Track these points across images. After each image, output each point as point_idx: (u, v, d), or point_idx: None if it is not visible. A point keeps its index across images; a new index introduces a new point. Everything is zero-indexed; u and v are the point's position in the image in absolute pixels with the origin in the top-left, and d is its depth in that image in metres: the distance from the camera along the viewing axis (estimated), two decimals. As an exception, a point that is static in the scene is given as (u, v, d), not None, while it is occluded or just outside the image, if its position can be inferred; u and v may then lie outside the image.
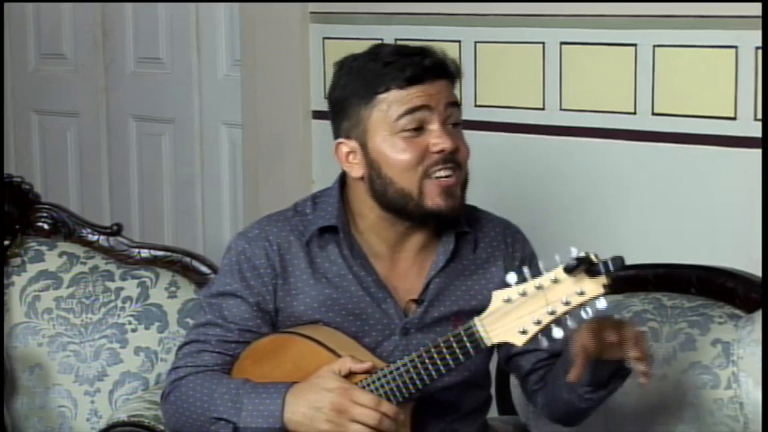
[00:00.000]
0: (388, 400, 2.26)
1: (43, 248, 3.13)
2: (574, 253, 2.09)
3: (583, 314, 2.10)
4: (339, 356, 2.30)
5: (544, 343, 2.15)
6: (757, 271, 2.80)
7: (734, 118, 2.98)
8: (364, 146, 2.35)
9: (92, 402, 3.01)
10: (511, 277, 2.14)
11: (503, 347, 2.40)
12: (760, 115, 2.92)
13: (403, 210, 2.35)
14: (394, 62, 2.33)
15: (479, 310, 2.27)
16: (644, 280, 2.84)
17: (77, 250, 3.14)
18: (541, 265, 2.13)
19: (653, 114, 3.11)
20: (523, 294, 2.14)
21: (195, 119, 4.34)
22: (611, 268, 2.07)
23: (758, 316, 2.61)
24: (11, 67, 4.83)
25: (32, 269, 3.10)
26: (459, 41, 3.38)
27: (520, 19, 3.29)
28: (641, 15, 3.09)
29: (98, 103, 4.63)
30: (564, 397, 2.35)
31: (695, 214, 3.07)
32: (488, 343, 2.19)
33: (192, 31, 4.31)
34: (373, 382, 2.27)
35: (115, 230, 3.20)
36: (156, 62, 4.45)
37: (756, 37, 2.89)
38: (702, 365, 2.63)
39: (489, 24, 3.34)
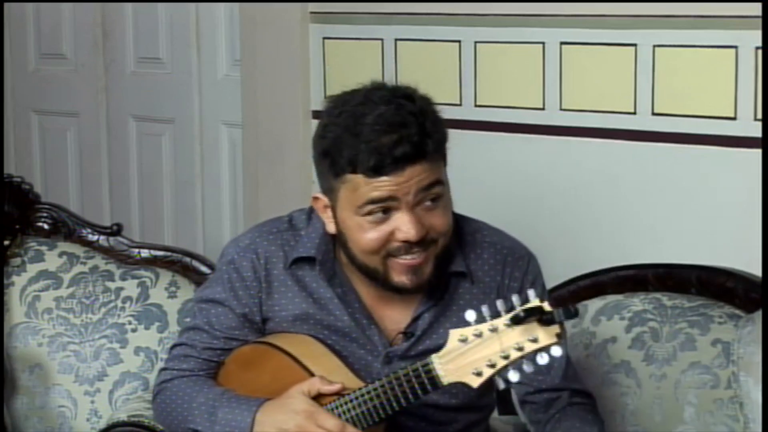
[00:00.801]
0: (355, 424, 2.26)
1: (43, 248, 3.13)
2: (532, 296, 2.08)
3: (539, 359, 2.08)
4: (312, 374, 2.31)
5: (501, 384, 2.12)
6: (757, 271, 2.80)
7: (734, 118, 2.97)
8: (334, 211, 2.30)
9: (92, 402, 3.01)
10: (470, 314, 2.11)
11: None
12: (760, 115, 2.92)
13: (372, 279, 2.31)
14: (368, 143, 2.20)
15: None
16: (644, 280, 2.84)
17: (77, 250, 3.15)
18: (515, 299, 2.10)
19: (653, 114, 3.11)
20: (479, 335, 2.12)
21: (195, 119, 4.34)
22: (563, 318, 2.06)
23: (758, 316, 2.61)
24: (11, 67, 4.83)
25: (32, 269, 3.10)
26: (459, 41, 3.38)
27: (520, 19, 3.29)
28: (641, 15, 3.09)
29: (98, 103, 4.63)
30: None
31: (695, 214, 3.06)
32: (445, 381, 2.18)
33: (192, 31, 4.31)
34: (341, 405, 2.28)
35: (115, 230, 3.20)
36: (156, 62, 4.45)
37: (756, 37, 2.89)
38: (702, 365, 2.63)
39: (489, 24, 3.34)
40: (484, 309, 2.11)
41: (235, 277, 2.41)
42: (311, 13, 3.70)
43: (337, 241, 2.34)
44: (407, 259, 2.26)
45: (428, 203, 2.25)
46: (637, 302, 2.77)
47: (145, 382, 2.99)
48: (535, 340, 2.08)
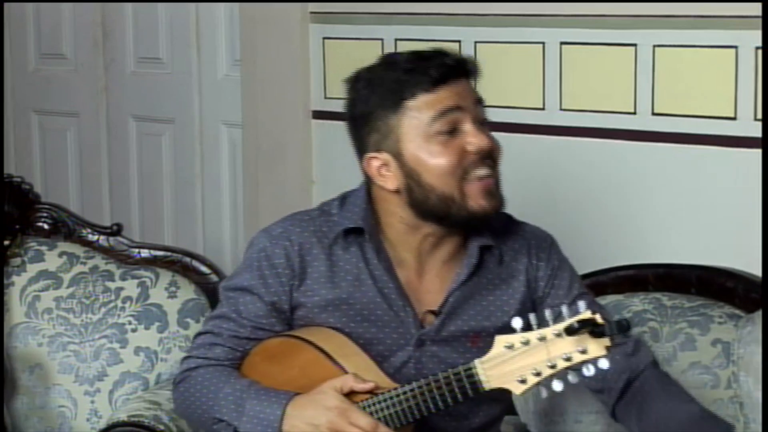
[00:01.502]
0: (387, 424, 2.25)
1: (43, 248, 3.13)
2: (582, 308, 2.09)
3: (585, 371, 2.09)
4: (344, 371, 2.29)
5: (544, 393, 2.13)
6: (757, 271, 2.81)
7: (734, 118, 2.97)
8: (398, 156, 2.30)
9: (92, 402, 3.01)
10: (517, 322, 2.12)
11: None
12: (760, 115, 2.92)
13: (445, 215, 2.30)
14: (415, 67, 2.29)
15: (497, 327, 2.26)
16: (644, 280, 2.84)
17: (77, 250, 3.15)
18: (564, 309, 2.11)
19: (653, 114, 3.11)
20: (526, 343, 2.13)
21: (195, 119, 4.34)
22: (615, 332, 2.07)
23: (758, 316, 2.61)
24: (11, 67, 4.83)
25: (32, 269, 3.10)
26: (459, 41, 3.38)
27: (520, 19, 3.29)
28: (641, 15, 3.09)
29: (98, 103, 4.63)
30: None
31: (695, 214, 3.06)
32: (486, 387, 2.18)
33: (192, 31, 4.31)
34: (374, 404, 2.26)
35: (115, 230, 3.20)
36: (156, 62, 4.45)
37: (756, 37, 2.89)
38: (702, 365, 2.63)
39: (489, 24, 3.34)
40: (532, 317, 2.12)
41: (266, 265, 2.38)
42: (311, 13, 3.70)
43: (401, 196, 2.32)
44: (482, 177, 2.29)
45: (481, 124, 2.31)
46: (637, 302, 2.77)
47: (145, 382, 2.99)
48: (584, 352, 2.09)
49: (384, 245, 2.37)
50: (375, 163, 2.33)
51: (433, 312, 2.37)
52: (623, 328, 2.06)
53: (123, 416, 2.74)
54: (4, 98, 4.73)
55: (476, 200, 2.29)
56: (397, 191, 2.33)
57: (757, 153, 2.90)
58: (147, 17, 4.44)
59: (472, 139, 2.28)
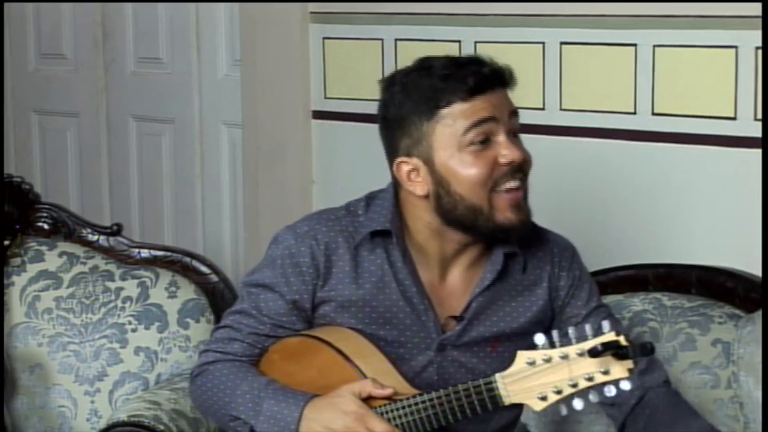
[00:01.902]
0: (404, 431, 2.24)
1: (43, 248, 3.13)
2: (606, 328, 2.08)
3: (607, 392, 2.09)
4: (363, 374, 2.28)
5: (564, 411, 2.13)
6: (757, 271, 2.81)
7: (734, 118, 2.97)
8: (428, 163, 2.29)
9: (92, 402, 3.01)
10: (539, 338, 2.12)
11: None
12: (760, 115, 2.92)
13: (472, 225, 2.30)
14: (452, 74, 2.28)
15: (519, 333, 2.27)
16: (644, 280, 2.84)
17: (77, 250, 3.15)
18: (587, 328, 2.11)
19: (653, 114, 3.11)
20: (548, 360, 2.12)
21: (195, 119, 4.34)
22: (639, 355, 2.07)
23: (758, 316, 2.61)
24: (11, 67, 4.83)
25: (32, 269, 3.10)
26: (459, 41, 3.38)
27: (520, 19, 3.29)
28: (641, 15, 3.09)
29: (98, 103, 4.63)
30: None
31: (695, 214, 3.06)
32: (506, 401, 2.18)
33: (192, 31, 4.31)
34: (392, 410, 2.26)
35: (115, 230, 3.20)
36: (156, 62, 4.45)
37: (756, 37, 2.89)
38: (702, 365, 2.63)
39: (489, 24, 3.34)
40: (555, 334, 2.12)
41: (289, 263, 2.37)
42: (311, 13, 3.70)
43: (430, 202, 2.31)
44: (512, 189, 2.28)
45: (514, 135, 2.30)
46: (637, 302, 2.77)
47: (145, 382, 2.99)
48: (606, 373, 2.09)
49: (409, 249, 2.37)
50: (405, 168, 2.32)
51: (455, 317, 2.37)
52: (647, 351, 2.07)
53: (123, 416, 2.74)
54: (4, 98, 4.73)
55: (504, 213, 2.28)
56: (425, 197, 2.32)
57: (757, 153, 2.90)
58: (147, 17, 4.44)
59: (505, 151, 2.27)
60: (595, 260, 2.97)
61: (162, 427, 2.69)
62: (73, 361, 3.02)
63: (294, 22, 3.71)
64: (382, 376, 2.29)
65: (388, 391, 2.26)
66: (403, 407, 2.25)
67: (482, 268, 2.38)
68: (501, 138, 2.27)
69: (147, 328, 3.02)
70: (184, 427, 2.75)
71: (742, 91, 2.95)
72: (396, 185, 2.38)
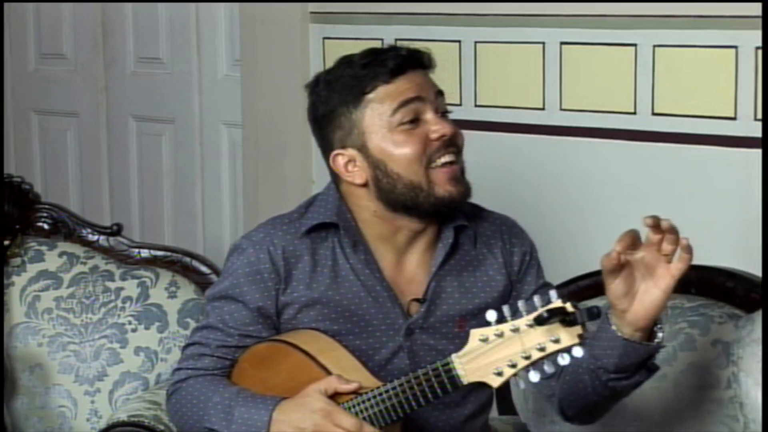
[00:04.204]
0: (372, 423, 2.26)
1: (43, 248, 3.13)
2: (554, 297, 2.09)
3: (560, 360, 2.09)
4: (328, 372, 2.30)
5: (521, 384, 2.14)
6: (757, 271, 2.81)
7: (734, 118, 2.98)
8: (363, 149, 2.34)
9: (92, 402, 3.01)
10: (491, 314, 2.13)
11: None
12: (760, 115, 2.92)
13: (413, 204, 2.33)
14: (372, 61, 2.33)
15: (482, 308, 2.27)
16: (644, 280, 2.83)
17: (77, 250, 3.15)
18: (536, 300, 2.11)
19: (653, 114, 3.11)
20: (500, 335, 2.13)
21: (195, 119, 4.34)
22: (586, 319, 2.07)
23: (758, 316, 2.61)
24: (11, 67, 4.83)
25: (32, 269, 3.10)
26: (459, 41, 3.38)
27: (520, 19, 3.29)
28: (641, 15, 3.09)
29: (98, 103, 4.63)
30: (586, 383, 2.30)
31: (695, 214, 3.06)
32: (464, 381, 2.19)
33: (192, 31, 4.31)
34: (358, 404, 2.27)
35: (115, 230, 3.20)
36: (156, 62, 4.45)
37: (756, 37, 2.89)
38: (702, 365, 2.62)
39: (489, 24, 3.34)
40: (505, 309, 2.12)
41: (249, 271, 2.39)
42: (311, 13, 3.70)
43: (370, 189, 2.35)
44: (447, 162, 2.32)
45: (442, 115, 2.35)
46: (637, 302, 2.76)
47: (145, 382, 2.99)
48: (557, 341, 2.09)
49: (362, 240, 2.39)
50: (341, 160, 2.36)
51: (417, 300, 2.39)
52: (594, 315, 2.08)
53: (123, 416, 2.74)
54: (4, 98, 4.73)
55: (443, 186, 2.32)
56: (365, 185, 2.36)
57: (757, 153, 2.90)
58: (147, 17, 4.45)
59: (435, 126, 2.32)
60: (594, 260, 2.97)
61: (162, 427, 2.70)
62: (73, 361, 3.02)
63: (294, 22, 3.71)
64: (348, 371, 2.31)
65: (353, 386, 2.28)
66: (369, 399, 2.27)
67: (437, 250, 2.41)
68: (429, 116, 2.33)
69: (147, 328, 3.02)
70: (184, 427, 2.75)
71: (742, 91, 2.95)
72: (336, 181, 2.41)
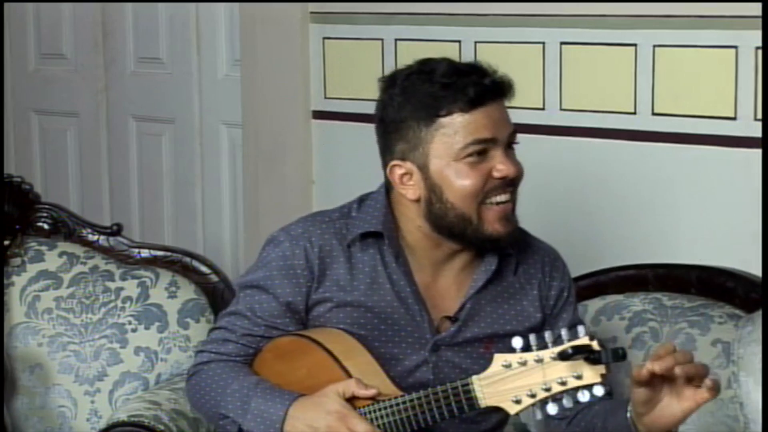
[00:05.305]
0: (386, 431, 2.26)
1: (43, 248, 3.13)
2: (581, 333, 2.08)
3: (580, 396, 2.09)
4: (349, 374, 2.29)
5: (538, 415, 2.13)
6: (757, 271, 2.80)
7: (734, 118, 2.97)
8: (423, 169, 2.31)
9: (92, 402, 3.01)
10: (517, 341, 2.12)
11: None
12: (760, 115, 2.92)
13: (460, 234, 2.32)
14: (453, 83, 2.28)
15: (512, 334, 2.26)
16: (644, 280, 2.84)
17: (77, 250, 3.15)
18: (564, 333, 2.11)
19: (653, 114, 3.11)
20: (523, 364, 2.13)
21: (195, 119, 4.34)
22: (611, 360, 2.07)
23: (758, 316, 2.61)
24: (11, 67, 4.82)
25: (32, 269, 3.10)
26: (459, 41, 3.38)
27: (520, 19, 3.29)
28: (641, 15, 3.09)
29: (98, 103, 4.63)
30: None
31: (695, 214, 3.06)
32: (482, 404, 2.18)
33: (192, 31, 4.31)
34: (375, 410, 2.27)
35: (115, 230, 3.20)
36: (156, 62, 4.45)
37: (756, 37, 2.89)
38: (702, 365, 2.62)
39: (489, 24, 3.34)
40: (532, 338, 2.12)
41: (283, 265, 2.38)
42: (311, 13, 3.70)
43: (421, 207, 2.33)
44: (501, 202, 2.30)
45: (509, 147, 2.33)
46: (637, 302, 2.77)
47: (145, 382, 3.00)
48: (579, 377, 2.09)
49: (403, 250, 2.38)
50: (398, 171, 2.34)
51: (449, 318, 2.38)
52: (619, 357, 2.07)
53: (123, 416, 2.74)
54: (4, 98, 4.73)
55: (492, 225, 2.31)
56: (416, 201, 2.34)
57: (757, 153, 2.90)
58: (147, 17, 4.44)
59: (501, 166, 2.29)
60: (595, 260, 2.97)
61: (162, 427, 2.70)
62: (73, 361, 3.02)
63: (294, 22, 3.71)
64: (368, 376, 2.30)
65: (371, 392, 2.27)
66: (386, 408, 2.26)
67: (475, 270, 2.39)
68: (498, 152, 2.30)
69: (147, 328, 3.02)
70: (184, 427, 2.75)
71: (742, 91, 2.95)
72: (388, 186, 2.39)
